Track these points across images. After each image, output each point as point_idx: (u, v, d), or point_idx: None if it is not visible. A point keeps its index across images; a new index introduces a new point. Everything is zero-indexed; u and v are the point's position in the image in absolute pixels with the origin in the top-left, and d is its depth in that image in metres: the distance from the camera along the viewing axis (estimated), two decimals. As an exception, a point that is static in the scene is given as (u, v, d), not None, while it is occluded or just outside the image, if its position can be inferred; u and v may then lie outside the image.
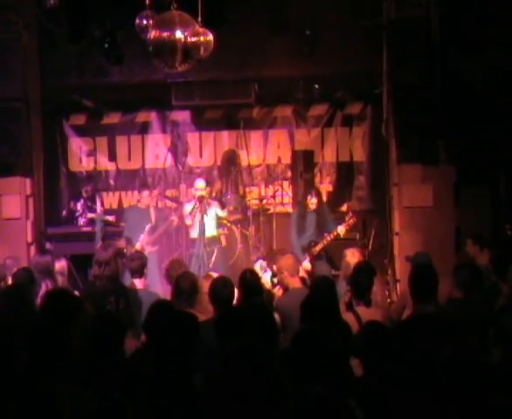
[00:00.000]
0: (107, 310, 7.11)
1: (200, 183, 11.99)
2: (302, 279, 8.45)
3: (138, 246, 11.44)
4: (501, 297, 7.43)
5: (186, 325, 5.32)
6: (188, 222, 11.93)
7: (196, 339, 5.23)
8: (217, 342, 5.33)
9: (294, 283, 7.96)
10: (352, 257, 8.92)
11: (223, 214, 12.28)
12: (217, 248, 11.91)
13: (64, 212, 13.14)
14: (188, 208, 11.85)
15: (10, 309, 6.62)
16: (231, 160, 14.34)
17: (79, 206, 12.76)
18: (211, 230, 11.84)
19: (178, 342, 5.16)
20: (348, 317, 7.03)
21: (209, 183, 12.63)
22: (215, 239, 11.98)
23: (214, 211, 12.01)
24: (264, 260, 10.73)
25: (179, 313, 5.76)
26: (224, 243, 12.76)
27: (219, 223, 12.34)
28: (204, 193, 11.76)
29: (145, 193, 12.63)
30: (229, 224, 12.85)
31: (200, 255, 11.30)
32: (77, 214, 12.75)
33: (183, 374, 4.80)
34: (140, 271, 8.33)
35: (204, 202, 11.59)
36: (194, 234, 11.79)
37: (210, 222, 11.79)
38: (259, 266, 10.30)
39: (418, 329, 5.72)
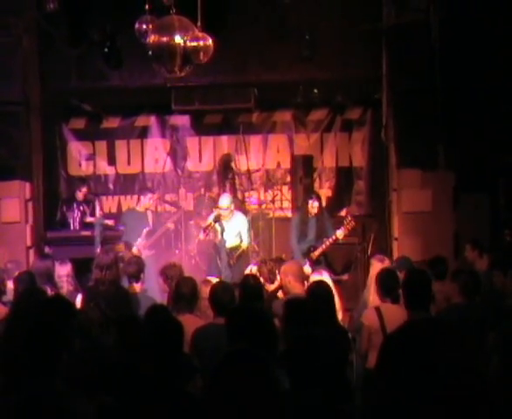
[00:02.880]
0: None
1: (225, 202, 11.54)
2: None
3: (135, 250, 11.43)
4: (506, 300, 7.43)
5: (178, 330, 5.38)
6: (200, 236, 11.78)
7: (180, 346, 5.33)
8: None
9: (297, 289, 7.93)
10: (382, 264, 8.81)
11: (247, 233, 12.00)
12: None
13: (58, 216, 13.08)
14: (207, 221, 11.60)
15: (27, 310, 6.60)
16: (226, 163, 14.32)
17: (71, 211, 12.72)
18: (230, 241, 11.62)
19: (173, 346, 5.20)
20: (370, 312, 7.20)
21: (232, 202, 11.90)
22: (233, 249, 11.73)
23: (239, 226, 11.76)
24: (255, 265, 10.68)
25: (173, 318, 5.79)
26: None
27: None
28: (223, 213, 11.42)
29: (145, 197, 12.45)
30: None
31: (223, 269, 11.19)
32: (70, 219, 12.71)
33: (181, 378, 4.83)
34: (137, 276, 8.33)
35: (221, 222, 11.28)
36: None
37: (229, 235, 11.57)
38: (249, 272, 10.25)
39: (412, 335, 5.71)
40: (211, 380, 3.62)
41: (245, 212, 13.37)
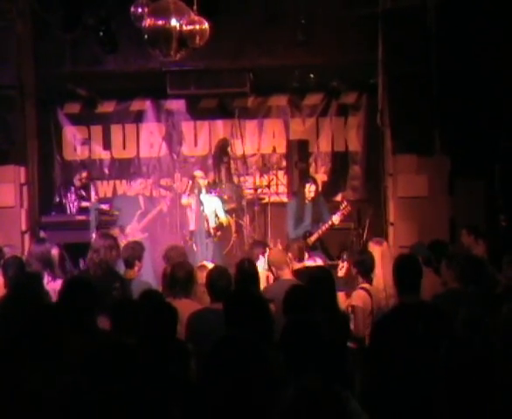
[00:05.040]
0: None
1: (198, 172, 12.14)
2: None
3: (128, 232, 11.51)
4: (498, 287, 7.41)
5: (171, 314, 5.39)
6: (183, 200, 12.05)
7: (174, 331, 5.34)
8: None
9: (284, 274, 7.95)
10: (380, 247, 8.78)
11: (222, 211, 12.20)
12: (212, 241, 11.83)
13: (57, 200, 13.05)
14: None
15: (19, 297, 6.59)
16: (222, 148, 14.30)
17: (69, 196, 12.70)
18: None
19: (166, 331, 5.21)
20: (361, 293, 7.35)
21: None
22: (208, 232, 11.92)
23: (214, 205, 11.96)
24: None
25: (166, 303, 5.81)
26: (233, 229, 12.90)
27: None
28: (199, 174, 11.89)
29: (135, 182, 12.67)
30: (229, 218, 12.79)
31: (201, 232, 11.44)
32: (68, 204, 12.69)
33: (174, 362, 4.85)
34: (131, 262, 8.30)
35: (197, 180, 11.63)
36: (192, 226, 11.84)
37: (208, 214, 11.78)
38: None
39: (402, 319, 5.74)
40: (205, 365, 3.62)
41: (241, 197, 13.42)
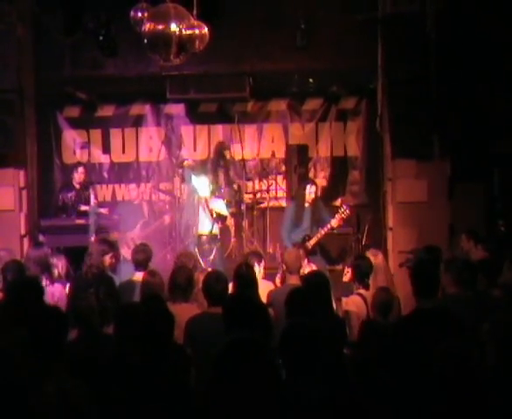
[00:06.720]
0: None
1: (186, 161, 12.48)
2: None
3: (129, 240, 11.52)
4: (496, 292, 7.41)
5: (168, 321, 5.40)
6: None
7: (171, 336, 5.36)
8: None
9: (291, 279, 7.97)
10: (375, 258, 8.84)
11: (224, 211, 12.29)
12: (216, 246, 11.87)
13: (60, 202, 13.04)
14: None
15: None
16: (220, 152, 14.28)
17: (70, 198, 12.67)
18: (208, 227, 11.86)
19: (162, 337, 5.21)
20: (355, 299, 7.42)
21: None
22: (214, 237, 11.95)
23: (216, 206, 12.02)
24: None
25: (165, 309, 5.81)
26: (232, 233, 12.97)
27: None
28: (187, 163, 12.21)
29: (132, 186, 12.72)
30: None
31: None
32: (69, 206, 12.66)
33: (171, 368, 4.86)
34: (144, 264, 8.29)
35: (186, 168, 11.75)
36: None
37: (205, 218, 11.82)
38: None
39: (418, 324, 5.77)
40: (215, 368, 3.62)
41: (240, 201, 13.40)
